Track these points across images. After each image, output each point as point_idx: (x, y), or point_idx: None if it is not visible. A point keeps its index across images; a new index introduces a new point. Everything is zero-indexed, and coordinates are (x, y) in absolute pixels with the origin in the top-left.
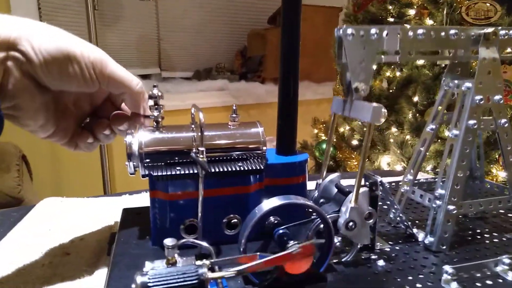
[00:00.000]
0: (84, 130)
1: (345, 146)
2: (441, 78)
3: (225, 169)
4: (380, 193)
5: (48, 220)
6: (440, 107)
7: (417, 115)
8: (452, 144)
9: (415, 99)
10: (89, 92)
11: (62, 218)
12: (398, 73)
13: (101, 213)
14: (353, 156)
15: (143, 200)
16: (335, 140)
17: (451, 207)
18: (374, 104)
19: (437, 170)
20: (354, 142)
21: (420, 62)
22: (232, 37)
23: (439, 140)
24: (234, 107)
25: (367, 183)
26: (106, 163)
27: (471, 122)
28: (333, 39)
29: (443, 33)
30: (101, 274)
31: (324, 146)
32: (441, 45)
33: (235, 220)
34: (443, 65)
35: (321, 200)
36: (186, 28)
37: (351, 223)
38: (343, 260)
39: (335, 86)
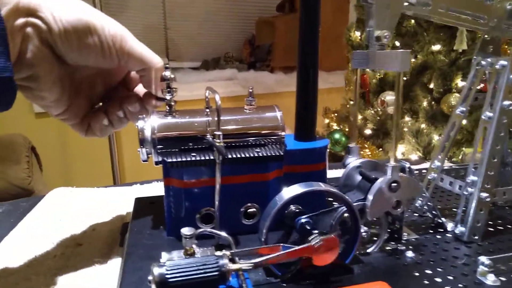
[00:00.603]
0: (98, 112)
1: (357, 135)
2: (457, 64)
3: (243, 155)
4: None
5: (59, 210)
6: (471, 88)
7: (433, 102)
8: (485, 128)
9: (431, 86)
10: (105, 70)
11: (73, 208)
12: (413, 60)
13: (112, 203)
14: (366, 145)
15: (154, 190)
16: (347, 129)
17: (484, 194)
18: (401, 50)
19: (453, 159)
20: (367, 132)
21: (436, 47)
22: (240, 26)
23: None
24: (250, 90)
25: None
26: (115, 153)
27: (507, 102)
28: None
29: None
30: (115, 265)
31: (336, 136)
32: (474, 7)
33: (253, 210)
34: (460, 51)
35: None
36: (193, 17)
37: (394, 184)
38: (369, 251)
39: (346, 74)
